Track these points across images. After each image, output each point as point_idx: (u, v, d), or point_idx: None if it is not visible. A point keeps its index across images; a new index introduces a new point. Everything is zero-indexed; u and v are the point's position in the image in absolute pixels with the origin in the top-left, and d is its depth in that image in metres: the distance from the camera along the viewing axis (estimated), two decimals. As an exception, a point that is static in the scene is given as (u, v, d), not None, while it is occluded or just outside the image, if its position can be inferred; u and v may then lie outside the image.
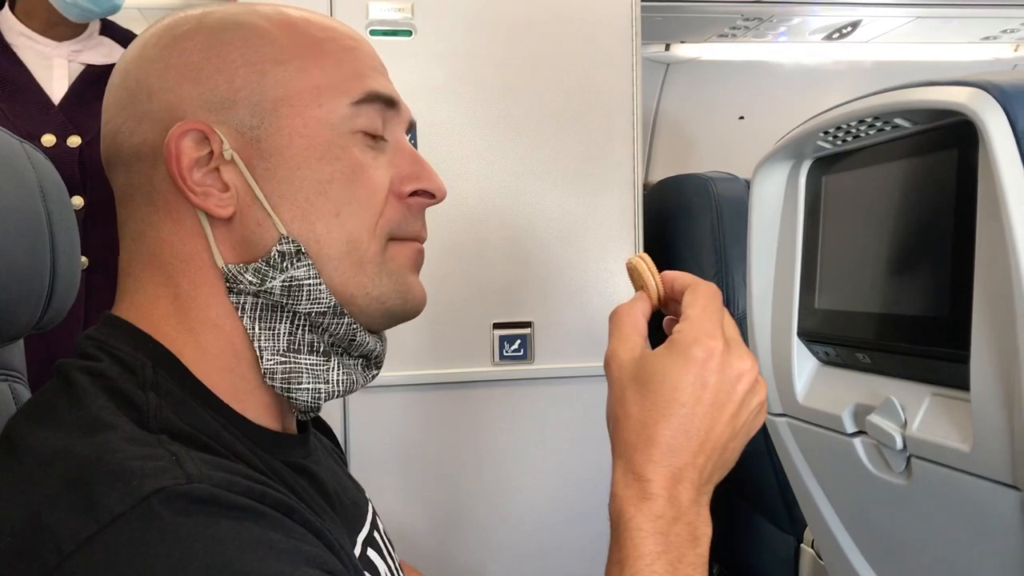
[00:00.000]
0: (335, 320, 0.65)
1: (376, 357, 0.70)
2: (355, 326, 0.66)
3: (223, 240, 0.63)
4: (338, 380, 0.66)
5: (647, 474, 0.60)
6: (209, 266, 0.63)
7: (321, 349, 0.65)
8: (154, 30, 0.66)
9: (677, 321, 0.65)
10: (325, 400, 0.65)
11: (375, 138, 0.67)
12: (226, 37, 0.64)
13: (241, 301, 0.63)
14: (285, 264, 0.62)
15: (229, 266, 0.62)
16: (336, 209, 0.64)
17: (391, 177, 0.67)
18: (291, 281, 0.62)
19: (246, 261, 0.63)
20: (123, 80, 0.66)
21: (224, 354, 0.63)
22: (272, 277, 0.62)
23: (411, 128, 0.73)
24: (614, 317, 0.67)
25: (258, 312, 0.63)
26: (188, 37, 0.64)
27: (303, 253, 0.63)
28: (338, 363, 0.66)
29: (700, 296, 0.65)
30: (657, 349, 0.63)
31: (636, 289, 0.70)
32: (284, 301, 0.63)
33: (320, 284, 0.63)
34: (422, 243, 0.71)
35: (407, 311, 0.69)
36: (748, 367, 0.63)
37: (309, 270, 0.63)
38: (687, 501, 0.60)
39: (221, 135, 0.62)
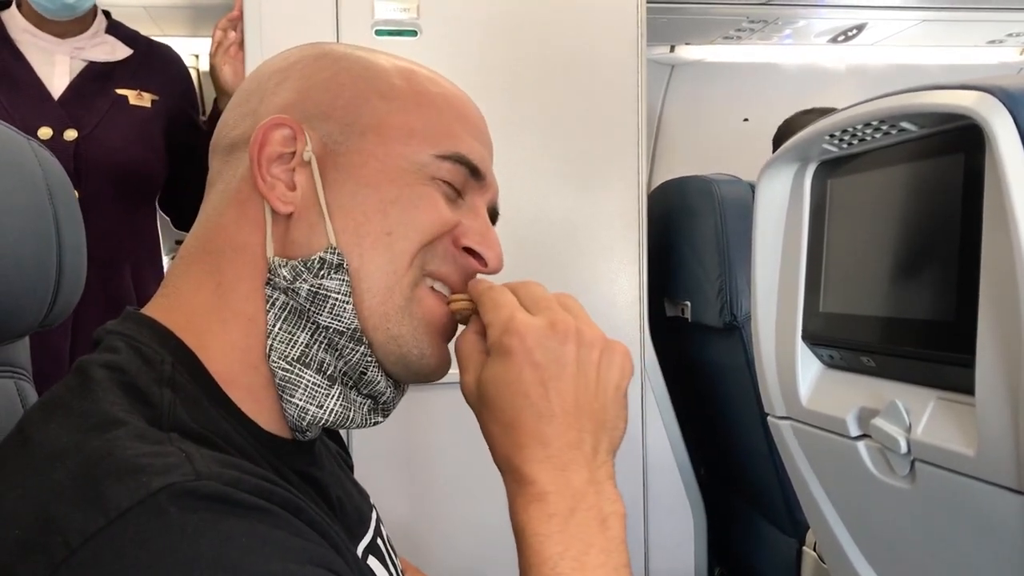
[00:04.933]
0: (351, 345, 0.64)
1: (384, 403, 0.69)
2: (369, 359, 0.65)
3: (277, 236, 0.65)
4: (332, 409, 0.64)
5: (530, 475, 0.59)
6: (258, 258, 0.64)
7: (329, 372, 0.65)
8: (293, 50, 0.71)
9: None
10: (310, 423, 0.64)
11: (455, 191, 0.67)
12: (346, 65, 0.68)
13: (273, 296, 0.64)
14: (322, 272, 0.63)
15: (275, 259, 0.64)
16: (390, 228, 0.64)
17: (456, 222, 0.67)
18: (319, 289, 0.63)
19: (289, 258, 0.64)
20: (248, 83, 0.71)
21: (252, 350, 0.63)
22: (304, 279, 0.63)
23: (494, 214, 0.73)
24: (455, 351, 0.67)
25: (285, 312, 0.64)
26: (315, 58, 0.69)
27: (344, 268, 0.63)
28: (341, 393, 0.65)
29: (485, 301, 0.65)
30: (487, 361, 0.63)
31: (462, 323, 0.69)
32: (307, 307, 0.63)
33: (348, 303, 0.63)
34: (448, 307, 0.69)
35: (422, 367, 0.67)
36: (565, 328, 0.61)
37: (342, 285, 0.63)
38: (581, 484, 0.59)
39: (308, 139, 0.65)
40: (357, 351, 0.65)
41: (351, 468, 0.87)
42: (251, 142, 0.64)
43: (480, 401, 0.63)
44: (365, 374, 0.66)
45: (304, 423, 0.64)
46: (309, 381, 0.64)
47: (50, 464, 0.51)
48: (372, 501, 0.82)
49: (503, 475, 0.62)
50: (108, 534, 0.46)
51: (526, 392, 0.60)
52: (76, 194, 0.75)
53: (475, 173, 0.69)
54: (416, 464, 1.73)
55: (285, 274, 0.63)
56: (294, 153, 0.65)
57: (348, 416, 0.65)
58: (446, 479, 1.74)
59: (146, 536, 0.46)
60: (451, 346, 0.70)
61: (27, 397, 0.76)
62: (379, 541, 0.76)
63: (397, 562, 0.78)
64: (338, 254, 0.63)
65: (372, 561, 0.71)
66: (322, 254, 0.63)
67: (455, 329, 0.70)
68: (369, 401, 0.68)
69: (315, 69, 0.68)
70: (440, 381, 0.67)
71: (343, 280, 0.63)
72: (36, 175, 0.70)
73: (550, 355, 0.61)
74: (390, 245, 0.64)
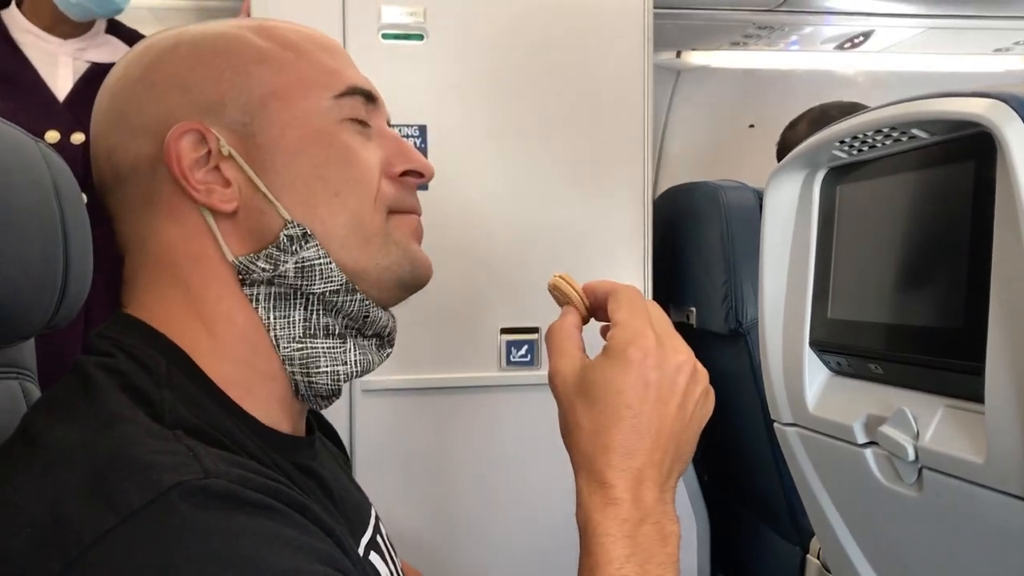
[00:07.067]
0: (348, 298, 0.66)
1: (389, 334, 0.72)
2: (367, 302, 0.68)
3: (229, 235, 0.65)
4: (355, 360, 0.68)
5: (609, 479, 0.61)
6: (218, 262, 0.65)
7: (336, 331, 0.67)
8: (134, 53, 0.69)
9: (608, 327, 0.67)
10: (344, 381, 0.67)
11: (362, 124, 0.69)
12: (206, 46, 0.67)
13: (255, 292, 0.64)
14: (295, 247, 0.64)
15: (240, 258, 0.64)
16: (335, 190, 0.66)
17: (380, 159, 0.69)
18: (303, 262, 0.64)
19: (255, 251, 0.64)
20: (110, 102, 0.69)
21: (238, 345, 0.64)
22: (284, 261, 0.64)
23: (387, 123, 0.75)
24: (550, 335, 0.68)
25: (272, 302, 0.65)
26: (169, 52, 0.67)
27: (309, 235, 0.64)
28: (354, 344, 0.68)
29: (623, 300, 0.66)
30: (596, 358, 0.64)
31: (561, 306, 0.71)
32: (298, 283, 0.64)
33: (330, 263, 0.65)
34: (419, 215, 0.73)
35: (417, 278, 0.71)
36: (684, 358, 0.65)
37: (318, 250, 0.65)
38: (651, 500, 0.61)
39: (217, 134, 0.64)
40: (355, 300, 0.67)
41: (349, 468, 0.87)
42: (167, 161, 0.63)
43: (578, 394, 0.64)
44: (367, 317, 0.68)
45: (339, 384, 0.67)
46: (324, 347, 0.66)
47: (60, 464, 0.52)
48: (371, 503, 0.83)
49: (577, 469, 0.63)
50: (120, 532, 0.47)
51: (631, 404, 0.62)
52: (84, 197, 0.75)
53: (369, 98, 0.70)
54: (418, 468, 1.73)
55: (264, 266, 0.64)
56: (209, 151, 0.64)
57: (369, 360, 0.70)
58: (448, 484, 1.74)
59: (158, 534, 0.47)
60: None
61: (32, 398, 0.76)
62: (379, 538, 0.77)
63: (397, 561, 0.79)
64: (298, 225, 0.64)
65: (373, 556, 0.72)
66: (285, 232, 0.64)
67: (423, 231, 0.73)
68: (375, 339, 0.71)
69: (177, 62, 0.67)
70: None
71: (316, 245, 0.65)
72: (43, 176, 0.70)
73: (665, 379, 0.63)
74: (344, 203, 0.66)
